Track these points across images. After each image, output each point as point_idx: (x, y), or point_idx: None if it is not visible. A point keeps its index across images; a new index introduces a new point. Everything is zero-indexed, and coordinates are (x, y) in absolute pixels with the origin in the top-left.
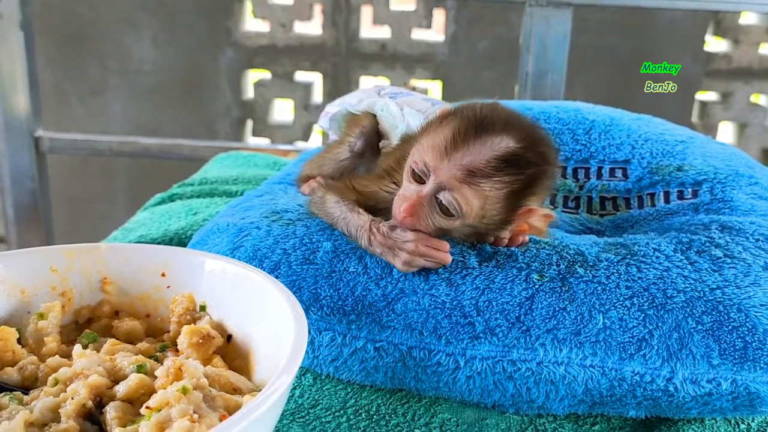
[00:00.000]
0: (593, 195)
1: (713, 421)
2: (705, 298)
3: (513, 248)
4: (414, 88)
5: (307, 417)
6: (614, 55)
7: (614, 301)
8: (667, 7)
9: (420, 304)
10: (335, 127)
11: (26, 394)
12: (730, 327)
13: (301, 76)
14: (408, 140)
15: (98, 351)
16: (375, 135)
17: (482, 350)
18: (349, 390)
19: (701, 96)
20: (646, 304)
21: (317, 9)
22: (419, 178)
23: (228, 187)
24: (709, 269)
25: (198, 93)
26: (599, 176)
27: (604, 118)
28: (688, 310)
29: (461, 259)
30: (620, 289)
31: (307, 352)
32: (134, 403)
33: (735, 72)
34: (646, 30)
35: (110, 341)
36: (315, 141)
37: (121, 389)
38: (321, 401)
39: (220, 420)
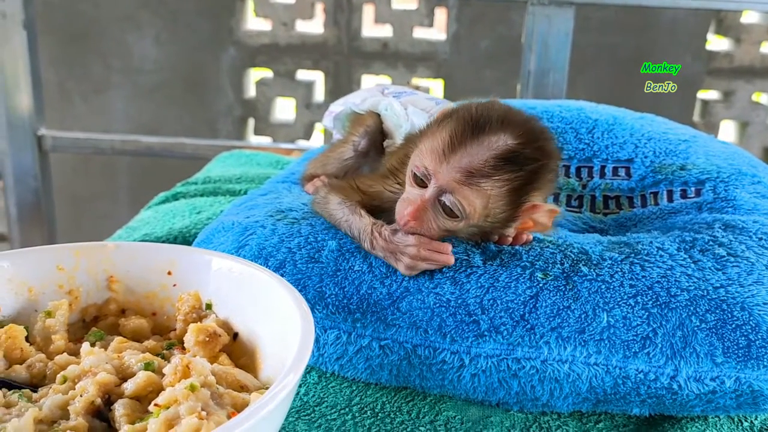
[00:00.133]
0: (596, 194)
1: (716, 418)
2: (709, 297)
3: (517, 247)
4: (417, 87)
5: (312, 414)
6: (616, 53)
7: (618, 299)
8: (669, 5)
9: (425, 303)
10: (339, 126)
11: (35, 391)
12: (733, 325)
13: (302, 74)
14: (412, 140)
15: (105, 349)
16: (379, 134)
17: (487, 348)
18: (354, 388)
19: (703, 95)
20: (650, 302)
21: (319, 8)
22: (421, 182)
23: (231, 185)
24: (712, 268)
25: (200, 92)
26: (602, 175)
27: (607, 117)
28: (691, 308)
29: (466, 257)
30: (624, 287)
31: (312, 350)
32: (142, 401)
33: (737, 71)
34: (648, 29)
35: (117, 339)
36: (317, 140)
37: (129, 387)
38: (326, 399)
39: (229, 417)
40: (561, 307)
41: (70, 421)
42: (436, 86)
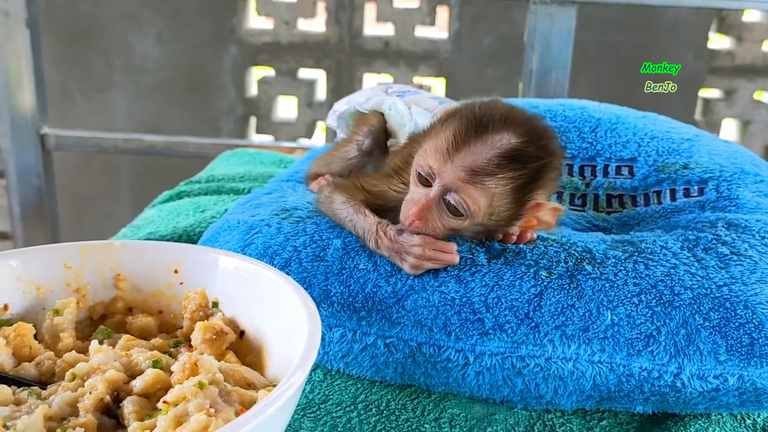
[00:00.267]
0: (600, 193)
1: (719, 416)
2: (712, 295)
3: (521, 245)
4: (421, 86)
5: (318, 412)
6: (618, 52)
7: (622, 297)
8: (671, 4)
9: (430, 301)
10: (343, 125)
11: (44, 388)
12: (736, 323)
13: (304, 73)
14: (416, 139)
15: (113, 347)
16: (383, 133)
17: (491, 346)
18: (359, 385)
19: (704, 93)
20: (654, 300)
21: (321, 6)
22: (425, 182)
23: (235, 184)
24: (716, 266)
25: (202, 90)
26: (605, 174)
27: (610, 116)
28: (695, 306)
29: (470, 256)
30: (628, 286)
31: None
32: (150, 398)
33: (738, 69)
34: (650, 27)
35: (125, 337)
36: (318, 138)
37: (138, 384)
38: (331, 396)
39: (237, 415)
40: (565, 306)
41: (80, 418)
42: (438, 85)
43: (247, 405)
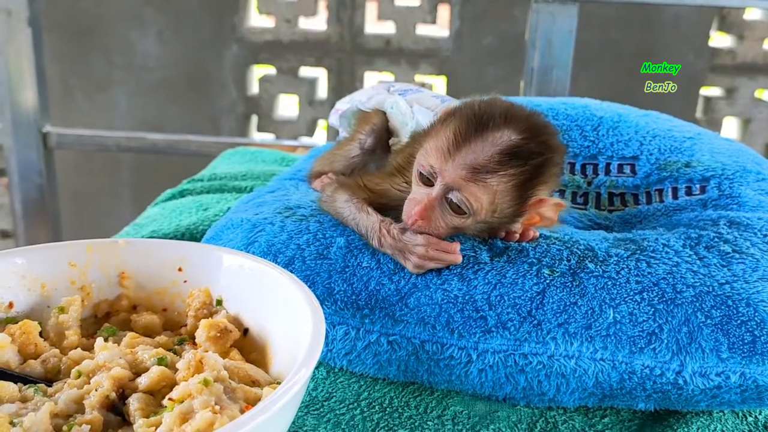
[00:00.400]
0: (601, 191)
1: (721, 413)
2: (714, 293)
3: (524, 243)
4: (423, 84)
5: (321, 409)
6: (619, 50)
7: (624, 295)
8: (672, 2)
9: (433, 299)
10: (345, 124)
11: (49, 386)
12: (738, 321)
13: (305, 71)
14: (417, 138)
15: (118, 344)
16: (385, 132)
17: (494, 344)
18: (362, 383)
19: (705, 91)
20: (656, 298)
21: (322, 5)
22: (427, 181)
23: (237, 182)
24: (717, 264)
25: (203, 89)
26: (607, 172)
27: (612, 114)
28: (697, 304)
29: (473, 254)
30: (630, 284)
31: None
32: (155, 395)
33: (739, 67)
34: (651, 26)
35: (130, 335)
36: (320, 136)
37: (143, 381)
38: (335, 394)
39: (242, 412)
40: (568, 303)
41: (86, 415)
42: (439, 83)
43: (251, 402)
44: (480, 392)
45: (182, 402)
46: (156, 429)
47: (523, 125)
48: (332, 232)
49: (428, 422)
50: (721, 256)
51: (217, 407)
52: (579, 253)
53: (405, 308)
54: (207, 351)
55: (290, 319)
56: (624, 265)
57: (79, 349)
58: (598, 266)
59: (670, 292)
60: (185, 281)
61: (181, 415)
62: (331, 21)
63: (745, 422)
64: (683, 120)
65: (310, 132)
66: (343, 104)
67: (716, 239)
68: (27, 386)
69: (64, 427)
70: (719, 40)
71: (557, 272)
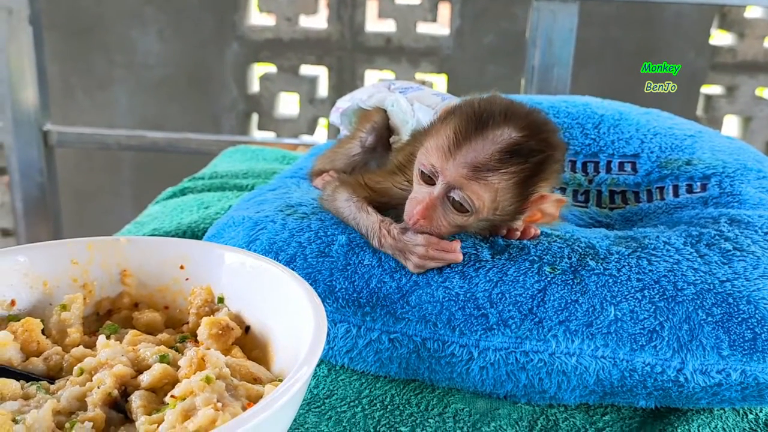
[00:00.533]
0: (603, 189)
1: (722, 411)
2: (715, 291)
3: (525, 241)
4: (423, 83)
5: (322, 407)
6: (619, 48)
7: (625, 293)
8: (673, 0)
9: (434, 297)
10: (346, 122)
11: (52, 383)
12: (739, 319)
13: (306, 69)
14: (418, 137)
15: (120, 342)
16: (386, 130)
17: (495, 341)
18: (363, 380)
19: (706, 89)
20: (657, 296)
21: (322, 3)
22: (428, 180)
23: (238, 180)
24: (718, 262)
25: (203, 87)
26: (608, 170)
27: (613, 112)
28: (698, 302)
29: (474, 252)
30: (631, 281)
31: None
32: (158, 392)
33: (740, 66)
34: (652, 24)
35: (132, 332)
36: (320, 134)
37: (145, 378)
38: (336, 391)
39: (244, 409)
40: (569, 301)
41: (88, 412)
42: (440, 82)
43: (253, 399)
44: (481, 390)
45: (184, 399)
46: (158, 426)
47: (522, 123)
48: (333, 230)
49: (429, 420)
50: (722, 254)
51: (219, 404)
52: (580, 250)
53: (406, 306)
54: (209, 348)
55: (292, 316)
56: (625, 263)
57: (81, 346)
58: (599, 264)
59: (671, 289)
60: (187, 279)
61: (184, 413)
62: (332, 19)
63: (745, 420)
64: (684, 118)
65: (311, 130)
66: (344, 102)
67: (717, 237)
68: (29, 384)
69: (67, 425)
70: (720, 38)
71: (558, 270)
